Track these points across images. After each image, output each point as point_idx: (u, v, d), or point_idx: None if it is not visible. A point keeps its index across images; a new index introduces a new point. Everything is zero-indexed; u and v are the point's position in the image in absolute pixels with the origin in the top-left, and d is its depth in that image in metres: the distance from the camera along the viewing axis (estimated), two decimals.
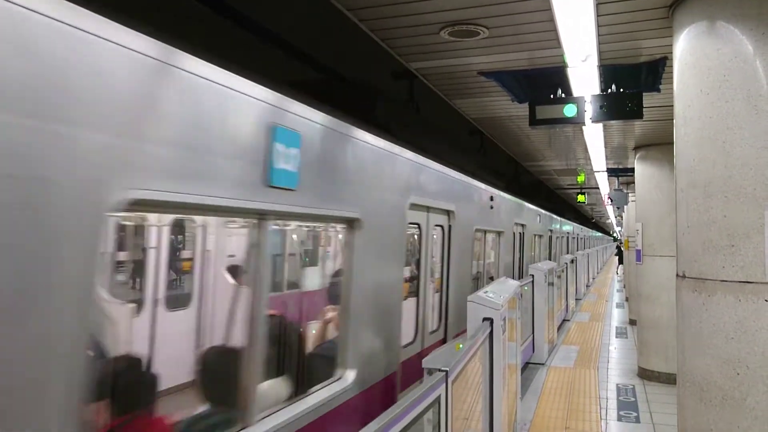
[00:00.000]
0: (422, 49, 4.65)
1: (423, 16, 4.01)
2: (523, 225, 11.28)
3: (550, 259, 14.40)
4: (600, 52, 4.58)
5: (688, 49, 3.34)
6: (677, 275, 3.38)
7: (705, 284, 3.10)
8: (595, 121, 5.37)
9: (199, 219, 4.31)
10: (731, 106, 3.04)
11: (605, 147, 9.51)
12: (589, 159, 10.81)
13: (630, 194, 13.76)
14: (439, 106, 6.60)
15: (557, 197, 20.55)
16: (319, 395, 3.32)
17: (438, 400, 2.60)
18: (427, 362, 3.20)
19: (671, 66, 3.60)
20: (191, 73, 2.31)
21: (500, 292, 4.70)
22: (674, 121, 3.51)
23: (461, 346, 3.40)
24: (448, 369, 2.74)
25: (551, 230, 15.40)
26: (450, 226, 6.11)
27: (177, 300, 4.71)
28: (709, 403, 3.03)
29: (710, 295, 3.07)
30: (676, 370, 3.43)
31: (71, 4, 1.78)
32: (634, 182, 9.93)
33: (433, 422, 2.63)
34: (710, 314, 3.06)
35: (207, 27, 3.70)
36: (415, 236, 5.40)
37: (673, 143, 3.54)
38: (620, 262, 26.38)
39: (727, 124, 3.05)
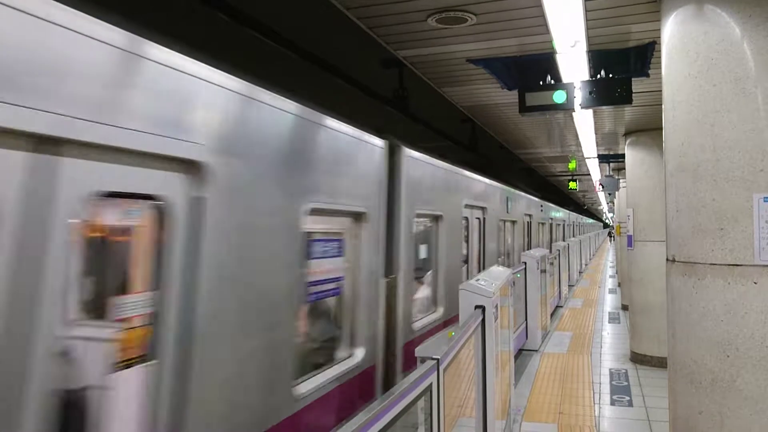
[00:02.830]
0: (410, 36, 4.62)
1: (410, 3, 3.97)
2: (482, 208, 8.11)
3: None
4: (588, 38, 4.57)
5: (675, 33, 3.33)
6: (667, 259, 3.39)
7: (694, 268, 3.11)
8: (584, 107, 5.37)
9: None
10: (719, 90, 3.04)
11: (596, 133, 9.53)
12: (580, 145, 10.83)
13: (621, 180, 13.81)
14: (428, 95, 6.58)
15: (549, 184, 20.61)
16: None
17: (429, 388, 2.60)
18: (420, 351, 3.21)
19: (660, 50, 3.59)
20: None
21: (492, 279, 4.71)
22: (663, 105, 3.51)
23: (453, 333, 3.41)
24: (439, 357, 2.74)
25: (530, 215, 13.22)
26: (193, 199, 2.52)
27: None
28: (699, 385, 3.05)
29: (700, 278, 3.08)
30: (667, 353, 3.45)
31: None
32: (625, 168, 9.96)
33: (425, 410, 2.64)
34: (700, 297, 3.07)
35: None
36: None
37: (662, 128, 3.54)
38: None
39: (715, 108, 3.05)
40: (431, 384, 2.62)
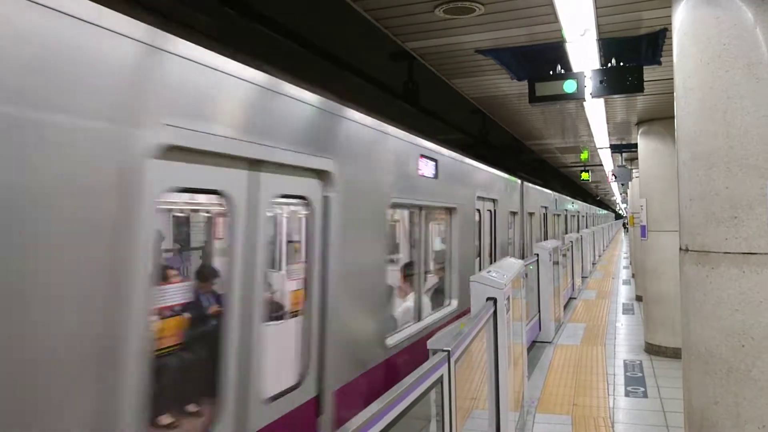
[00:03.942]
0: (417, 28, 4.59)
1: None
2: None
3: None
4: (598, 26, 4.51)
5: (687, 18, 3.28)
6: (680, 249, 3.35)
7: (708, 257, 3.07)
8: (595, 96, 5.31)
9: None
10: (731, 76, 2.99)
11: (608, 123, 9.44)
12: (592, 136, 10.73)
13: (634, 170, 13.66)
14: (438, 87, 6.53)
15: (561, 175, 20.46)
16: None
17: (440, 380, 2.60)
18: (431, 343, 3.21)
19: (671, 37, 3.54)
20: None
21: (504, 271, 4.68)
22: (675, 93, 3.45)
23: (464, 326, 3.40)
24: (450, 349, 2.74)
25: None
26: None
27: None
28: (714, 375, 3.02)
29: (714, 267, 3.04)
30: (681, 343, 3.41)
31: None
32: (637, 158, 9.86)
33: (436, 402, 2.63)
34: (714, 286, 3.03)
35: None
36: None
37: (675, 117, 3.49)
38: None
39: (728, 94, 2.99)
40: (442, 376, 2.62)
